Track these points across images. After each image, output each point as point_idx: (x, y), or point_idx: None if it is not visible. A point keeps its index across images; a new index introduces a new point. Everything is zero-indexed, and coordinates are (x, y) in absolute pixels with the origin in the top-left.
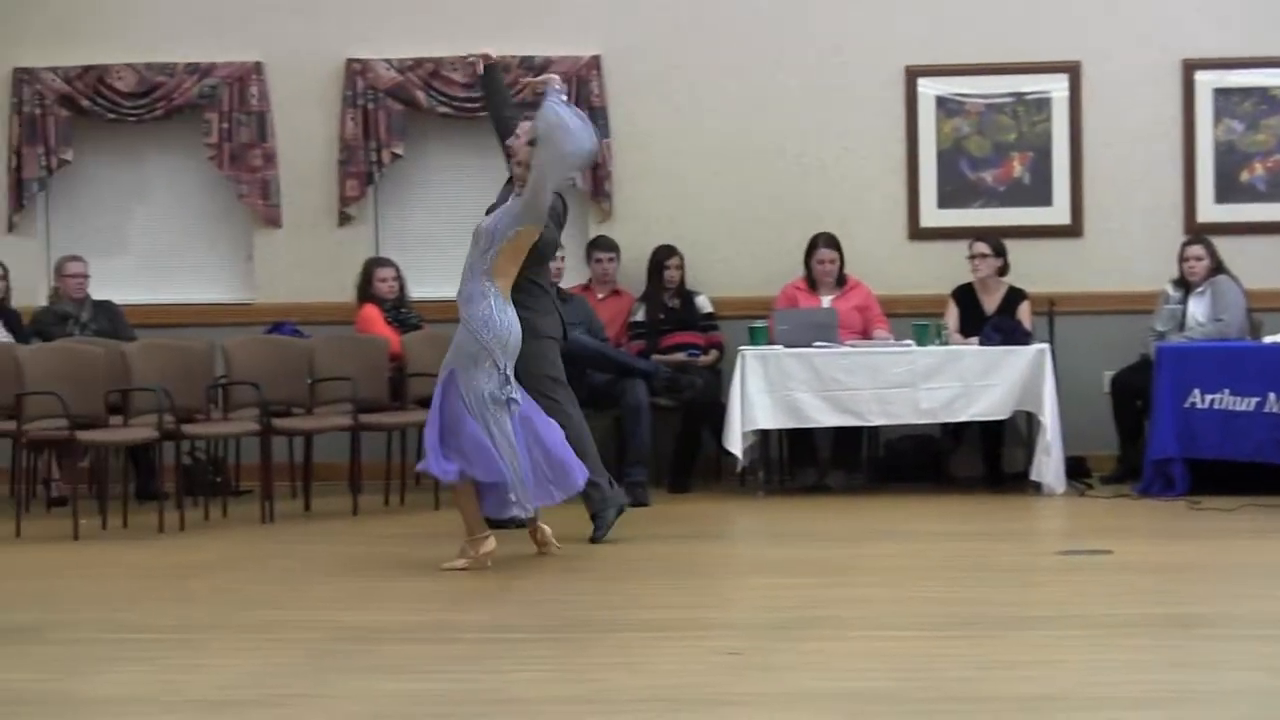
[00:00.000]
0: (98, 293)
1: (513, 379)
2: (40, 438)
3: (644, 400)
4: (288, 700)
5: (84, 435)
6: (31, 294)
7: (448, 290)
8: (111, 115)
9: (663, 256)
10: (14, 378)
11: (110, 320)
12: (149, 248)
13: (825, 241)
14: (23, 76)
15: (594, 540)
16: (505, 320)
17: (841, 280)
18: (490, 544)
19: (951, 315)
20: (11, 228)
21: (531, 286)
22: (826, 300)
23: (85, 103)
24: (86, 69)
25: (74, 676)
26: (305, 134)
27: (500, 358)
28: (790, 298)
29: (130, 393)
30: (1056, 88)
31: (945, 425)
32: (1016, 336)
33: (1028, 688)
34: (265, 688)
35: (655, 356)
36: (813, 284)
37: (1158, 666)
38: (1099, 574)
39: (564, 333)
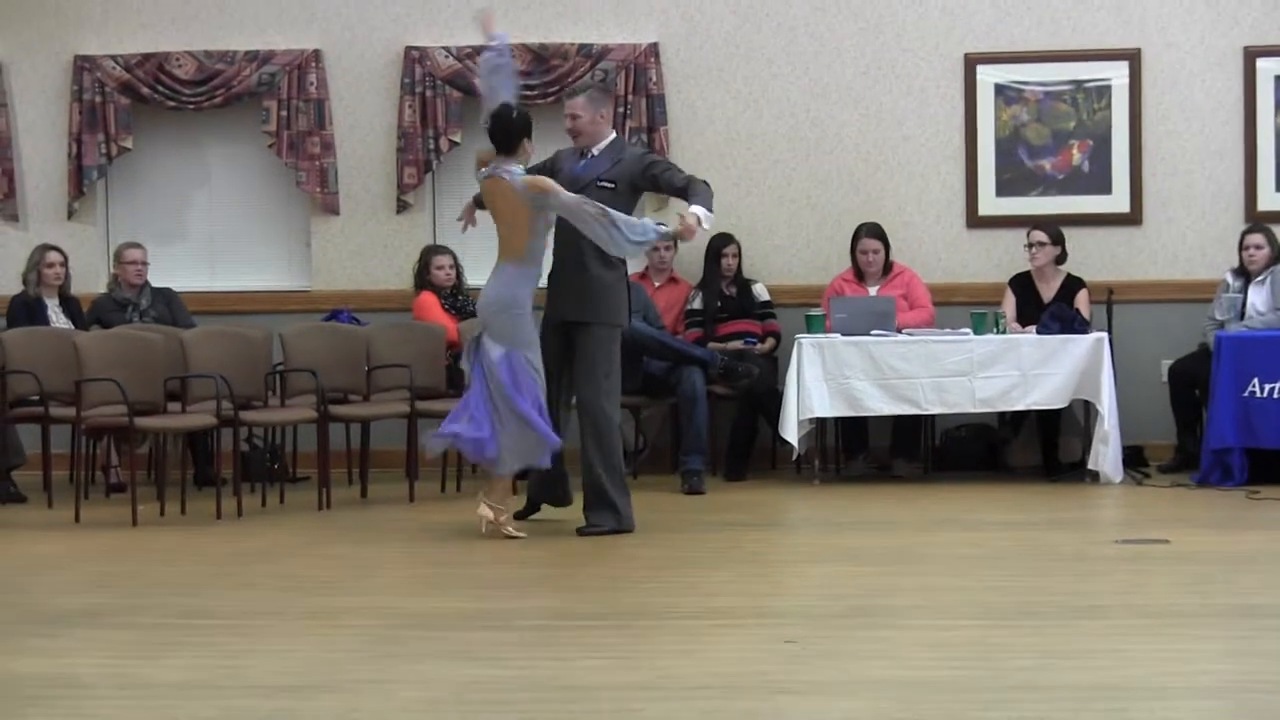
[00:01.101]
0: (157, 280)
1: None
2: (99, 424)
3: (701, 388)
4: (347, 686)
5: (143, 422)
6: (91, 281)
7: None
8: (171, 103)
9: (719, 245)
10: (74, 365)
11: (169, 307)
12: (208, 235)
13: (869, 231)
14: (83, 64)
15: (580, 531)
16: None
17: (887, 269)
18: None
19: (1009, 304)
20: (71, 215)
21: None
22: (873, 290)
23: (145, 90)
24: (147, 57)
25: (134, 661)
26: (364, 122)
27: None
28: (838, 289)
29: (189, 380)
30: (1116, 75)
31: (1002, 414)
32: (1074, 325)
33: (1088, 677)
34: (325, 673)
35: (712, 345)
36: (859, 274)
37: (1218, 656)
38: (1157, 564)
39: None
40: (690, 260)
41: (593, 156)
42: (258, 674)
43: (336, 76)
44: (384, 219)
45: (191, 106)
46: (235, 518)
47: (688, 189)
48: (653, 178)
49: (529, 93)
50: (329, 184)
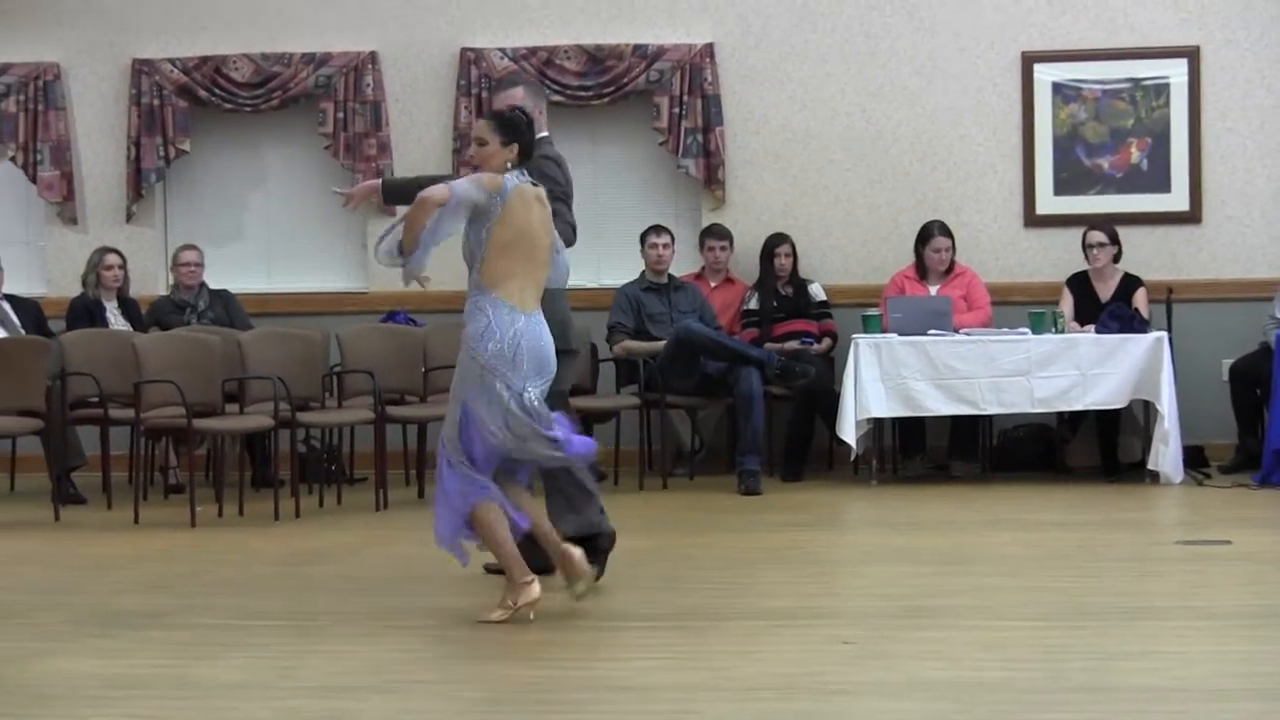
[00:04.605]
0: (214, 282)
1: (535, 401)
2: (158, 426)
3: (757, 388)
4: (405, 686)
5: (201, 423)
6: (150, 283)
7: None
8: (228, 105)
9: (773, 244)
10: (132, 366)
11: (227, 309)
12: (265, 237)
13: (940, 230)
14: (142, 68)
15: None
16: (512, 331)
17: (950, 268)
18: (534, 591)
19: (1067, 303)
20: (130, 218)
21: None
22: (934, 289)
23: (203, 93)
24: (204, 60)
25: (193, 662)
26: (420, 123)
27: (512, 377)
28: (899, 286)
29: (246, 381)
30: (1175, 73)
31: (1061, 414)
32: (1134, 324)
33: (1149, 679)
34: (383, 674)
35: (769, 345)
36: (923, 272)
37: None
38: (1219, 564)
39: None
40: (746, 261)
41: None
42: (315, 675)
43: (393, 78)
44: None
45: (249, 109)
46: (293, 519)
47: None
48: None
49: (584, 94)
50: None
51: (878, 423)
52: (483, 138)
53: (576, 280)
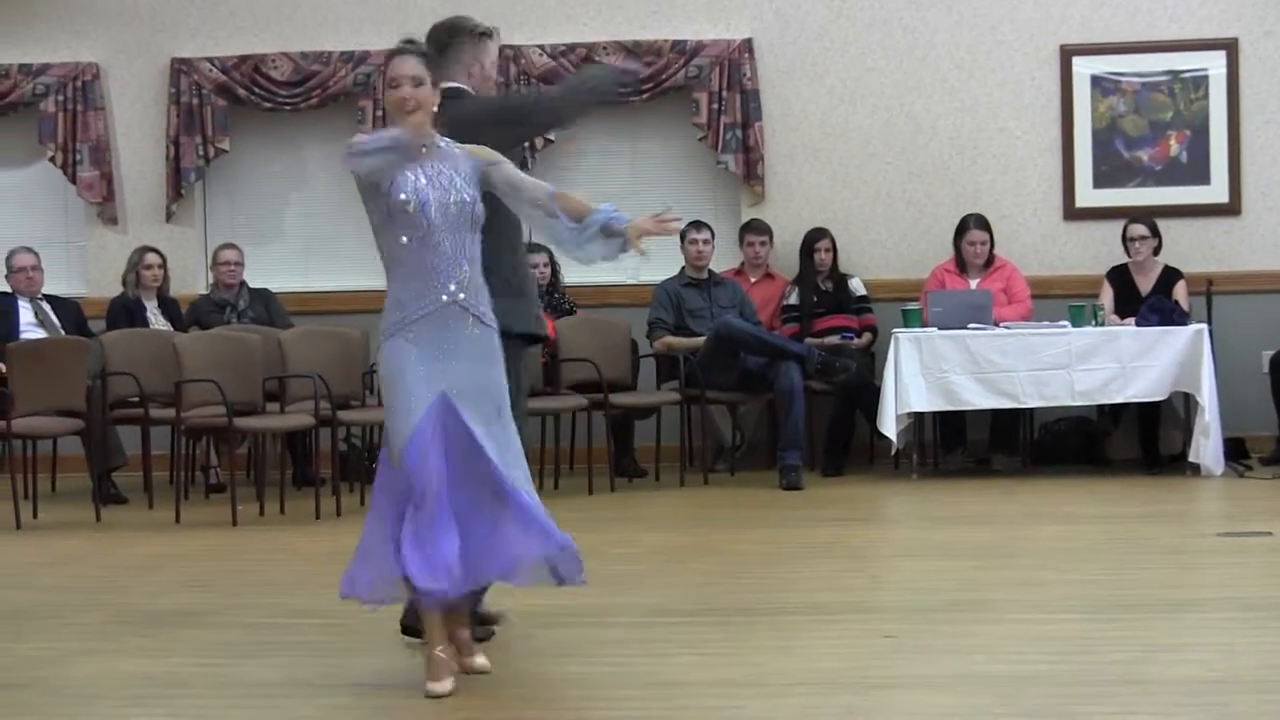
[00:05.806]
0: (254, 281)
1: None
2: (199, 425)
3: (798, 383)
4: None
5: (242, 422)
6: (190, 282)
7: (601, 276)
8: (268, 104)
9: (813, 239)
10: (173, 366)
11: (267, 308)
12: (305, 235)
13: (976, 223)
14: (180, 67)
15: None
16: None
17: (989, 261)
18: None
19: (1107, 296)
20: (169, 217)
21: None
22: (974, 282)
23: (242, 92)
24: (243, 59)
25: (236, 660)
26: None
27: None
28: (939, 280)
29: (287, 380)
30: (1213, 65)
31: (1101, 407)
32: (1174, 317)
33: (1191, 671)
34: (423, 672)
35: (809, 339)
36: (962, 266)
37: None
38: (1260, 556)
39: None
40: (786, 256)
41: None
42: (357, 673)
43: None
44: None
45: (288, 108)
46: (334, 517)
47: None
48: None
49: (621, 89)
50: None
51: (918, 417)
52: (419, 76)
53: (615, 277)
